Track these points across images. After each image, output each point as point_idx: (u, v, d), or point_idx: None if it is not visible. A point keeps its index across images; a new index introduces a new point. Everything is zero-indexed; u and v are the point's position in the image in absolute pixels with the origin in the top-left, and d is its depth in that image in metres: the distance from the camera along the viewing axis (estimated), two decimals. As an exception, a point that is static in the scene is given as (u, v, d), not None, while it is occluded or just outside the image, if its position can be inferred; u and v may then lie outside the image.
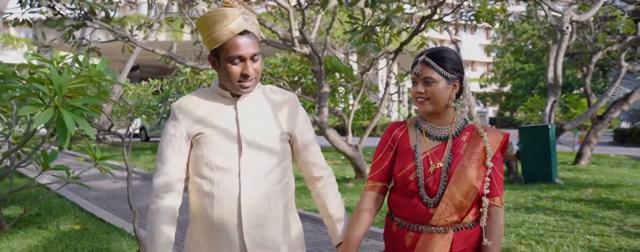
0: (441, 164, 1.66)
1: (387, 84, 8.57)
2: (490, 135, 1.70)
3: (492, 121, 40.16)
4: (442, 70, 1.63)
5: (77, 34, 9.76)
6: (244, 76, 1.60)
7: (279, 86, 12.26)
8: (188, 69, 13.97)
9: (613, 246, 4.18)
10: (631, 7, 9.45)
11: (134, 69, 21.66)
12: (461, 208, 1.64)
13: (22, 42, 34.81)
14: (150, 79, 16.17)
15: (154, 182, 1.64)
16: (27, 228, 5.13)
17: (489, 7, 6.16)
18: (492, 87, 46.61)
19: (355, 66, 14.10)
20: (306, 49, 8.01)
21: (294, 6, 8.01)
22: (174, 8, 10.17)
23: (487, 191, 1.65)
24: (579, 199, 6.23)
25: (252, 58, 1.60)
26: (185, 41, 15.00)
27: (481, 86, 47.06)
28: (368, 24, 6.30)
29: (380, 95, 11.47)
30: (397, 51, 7.63)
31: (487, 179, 1.65)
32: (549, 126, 7.70)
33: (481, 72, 53.40)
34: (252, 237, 1.62)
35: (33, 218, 5.57)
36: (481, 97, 50.34)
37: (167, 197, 1.61)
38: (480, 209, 1.68)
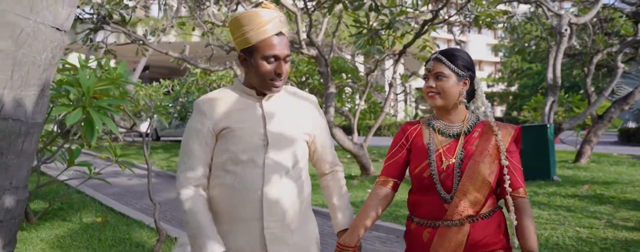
0: (454, 160, 1.70)
1: (391, 85, 8.87)
2: (502, 130, 1.74)
3: (499, 121, 40.16)
4: (454, 66, 1.70)
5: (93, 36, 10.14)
6: (278, 75, 1.65)
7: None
8: (198, 70, 14.32)
9: (599, 237, 4.46)
10: (630, 9, 9.67)
11: (144, 69, 22.08)
12: (476, 203, 1.67)
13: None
14: (161, 80, 16.55)
15: (182, 176, 1.65)
16: (52, 220, 5.49)
17: (489, 11, 6.41)
18: (500, 87, 46.63)
19: (361, 67, 14.41)
20: (313, 51, 8.32)
21: (302, 9, 8.32)
22: (184, 10, 10.53)
23: (509, 189, 1.70)
24: (574, 195, 6.50)
25: (285, 59, 1.65)
26: (195, 42, 15.37)
27: (488, 86, 47.11)
28: (372, 28, 6.61)
29: (386, 95, 11.77)
30: (401, 53, 7.93)
31: (506, 176, 1.70)
32: (548, 125, 7.96)
33: (489, 72, 53.38)
34: (272, 231, 1.65)
35: (57, 212, 5.93)
36: (489, 97, 50.38)
37: (197, 188, 1.65)
38: (506, 203, 1.72)
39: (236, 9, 9.67)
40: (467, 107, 1.77)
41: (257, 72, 1.65)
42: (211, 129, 1.65)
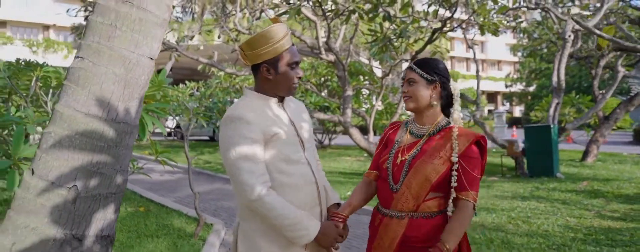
0: (407, 157, 1.88)
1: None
2: (461, 135, 1.85)
3: (517, 121, 40.30)
4: (422, 72, 1.87)
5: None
6: (299, 78, 1.91)
7: (307, 89, 13.26)
8: (222, 73, 15.06)
9: (585, 225, 5.03)
10: (635, 14, 10.10)
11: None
12: (417, 197, 1.82)
13: (62, 45, 36.58)
14: (186, 82, 17.35)
15: (256, 181, 1.74)
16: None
17: (494, 20, 6.97)
18: (518, 87, 46.64)
19: (378, 72, 15.01)
20: (331, 57, 8.97)
21: (321, 15, 8.97)
22: (207, 14, 11.24)
23: (455, 184, 1.81)
24: (572, 190, 7.03)
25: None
26: (216, 44, 16.09)
27: (506, 86, 47.10)
28: (386, 36, 7.23)
29: (400, 97, 12.38)
30: (413, 58, 8.52)
31: (454, 173, 1.81)
32: (552, 126, 8.49)
33: (507, 72, 53.30)
34: (324, 214, 1.96)
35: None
36: (507, 97, 50.35)
37: (269, 189, 1.77)
38: (449, 201, 1.85)
39: (259, 17, 10.37)
40: (449, 113, 1.93)
41: (283, 78, 1.86)
42: (262, 136, 1.79)
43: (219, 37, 10.44)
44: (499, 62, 56.13)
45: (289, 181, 1.83)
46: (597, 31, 7.94)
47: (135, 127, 2.36)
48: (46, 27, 40.47)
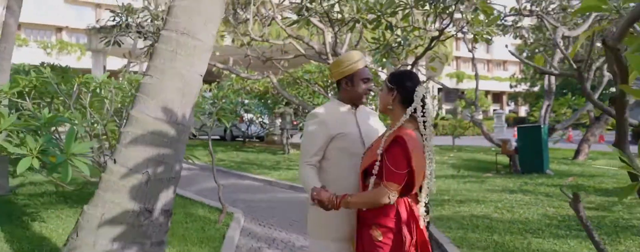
0: (365, 149, 2.31)
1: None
2: (391, 135, 2.12)
3: (522, 121, 40.80)
4: (385, 81, 2.27)
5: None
6: (369, 91, 2.45)
7: (314, 91, 13.98)
8: (234, 75, 15.80)
9: (561, 214, 5.72)
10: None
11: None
12: (362, 180, 2.23)
13: (75, 47, 37.47)
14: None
15: (306, 160, 2.35)
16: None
17: (486, 29, 7.63)
18: (523, 87, 47.10)
19: (382, 75, 15.70)
20: (338, 62, 9.67)
21: (328, 24, 9.66)
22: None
23: (375, 173, 2.10)
24: (558, 185, 7.71)
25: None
26: (226, 46, 16.78)
27: (511, 86, 47.62)
28: (388, 43, 7.92)
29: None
30: (413, 64, 9.21)
31: (377, 164, 2.09)
32: (542, 126, 9.17)
33: (512, 72, 53.75)
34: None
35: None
36: (512, 97, 50.83)
37: (312, 166, 2.35)
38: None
39: (270, 24, 11.08)
40: (413, 116, 2.16)
41: (356, 90, 2.41)
42: (329, 134, 2.34)
43: (232, 41, 11.14)
44: (504, 62, 56.50)
45: (348, 165, 2.33)
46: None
47: (189, 128, 3.09)
48: (59, 29, 41.32)
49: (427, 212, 2.26)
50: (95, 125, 5.63)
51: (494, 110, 38.27)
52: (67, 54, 36.48)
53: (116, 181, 2.85)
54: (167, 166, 2.95)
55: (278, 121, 18.38)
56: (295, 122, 17.62)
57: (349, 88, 2.42)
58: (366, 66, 2.47)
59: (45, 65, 9.32)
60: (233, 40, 11.43)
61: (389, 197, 2.02)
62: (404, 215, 2.11)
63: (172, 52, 2.92)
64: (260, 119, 19.21)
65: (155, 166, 2.89)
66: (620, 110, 2.17)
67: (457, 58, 50.09)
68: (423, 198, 2.20)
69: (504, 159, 10.54)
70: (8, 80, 6.11)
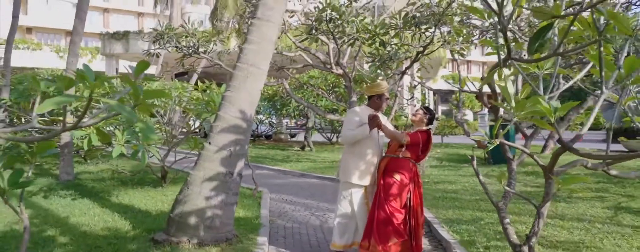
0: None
1: (396, 95, 12.00)
2: (420, 130, 4.92)
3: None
4: (422, 107, 4.49)
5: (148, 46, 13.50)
6: (387, 104, 4.56)
7: (318, 94, 15.82)
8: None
9: (521, 190, 7.54)
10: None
11: (183, 74, 25.36)
12: (391, 149, 4.44)
13: (86, 51, 39.15)
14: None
15: (347, 132, 4.24)
16: (176, 183, 8.80)
17: (461, 46, 9.48)
18: (515, 89, 48.85)
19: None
20: (340, 71, 11.50)
21: (332, 39, 11.50)
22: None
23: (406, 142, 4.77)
24: (520, 172, 9.56)
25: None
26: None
27: (504, 88, 49.40)
28: (382, 57, 9.77)
29: (397, 101, 14.87)
30: (403, 73, 11.07)
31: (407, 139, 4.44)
32: (509, 125, 11.00)
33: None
34: (375, 176, 4.39)
35: (176, 179, 9.25)
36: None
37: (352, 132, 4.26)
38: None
39: (280, 37, 12.90)
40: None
41: (379, 102, 4.41)
42: (360, 121, 4.25)
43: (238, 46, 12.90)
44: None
45: (370, 146, 4.31)
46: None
47: (251, 122, 4.93)
48: (68, 33, 42.99)
49: None
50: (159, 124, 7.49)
51: (476, 112, 40.09)
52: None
53: (211, 155, 4.69)
54: (241, 146, 4.79)
55: (285, 121, 20.17)
56: (298, 123, 19.39)
57: (377, 101, 4.42)
58: (388, 89, 4.48)
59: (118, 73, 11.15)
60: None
61: (403, 140, 4.17)
62: (412, 171, 4.24)
63: (244, 77, 4.76)
64: (269, 119, 21.05)
65: (234, 145, 4.73)
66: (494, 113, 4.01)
67: (452, 61, 51.89)
68: (423, 166, 4.31)
69: (481, 153, 12.40)
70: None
